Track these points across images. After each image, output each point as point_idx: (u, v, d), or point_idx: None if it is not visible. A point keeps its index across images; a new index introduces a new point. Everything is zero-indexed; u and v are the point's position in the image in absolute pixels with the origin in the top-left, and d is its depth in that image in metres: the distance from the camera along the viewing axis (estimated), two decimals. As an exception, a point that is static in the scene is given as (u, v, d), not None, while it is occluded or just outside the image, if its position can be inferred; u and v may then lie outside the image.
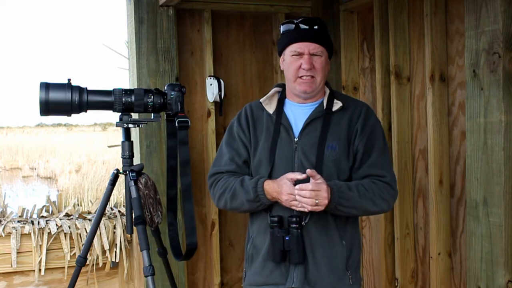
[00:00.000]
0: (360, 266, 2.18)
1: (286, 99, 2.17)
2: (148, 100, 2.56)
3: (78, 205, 8.11)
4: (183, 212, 2.73)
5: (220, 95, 3.16)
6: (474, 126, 2.04)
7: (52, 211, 3.35)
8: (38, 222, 3.16)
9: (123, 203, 3.20)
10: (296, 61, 2.06)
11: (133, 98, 2.54)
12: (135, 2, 2.98)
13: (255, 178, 2.07)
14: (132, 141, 2.65)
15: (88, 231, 3.08)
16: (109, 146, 7.65)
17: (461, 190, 2.63)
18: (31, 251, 3.10)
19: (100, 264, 3.20)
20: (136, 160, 2.86)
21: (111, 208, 3.39)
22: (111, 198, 3.75)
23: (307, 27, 2.06)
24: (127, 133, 2.62)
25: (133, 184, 2.55)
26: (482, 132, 2.01)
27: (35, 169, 19.08)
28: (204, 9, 3.17)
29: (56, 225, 3.16)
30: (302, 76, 2.06)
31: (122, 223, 3.22)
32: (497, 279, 1.97)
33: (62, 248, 3.14)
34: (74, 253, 3.12)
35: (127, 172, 2.58)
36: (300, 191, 1.91)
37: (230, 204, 2.12)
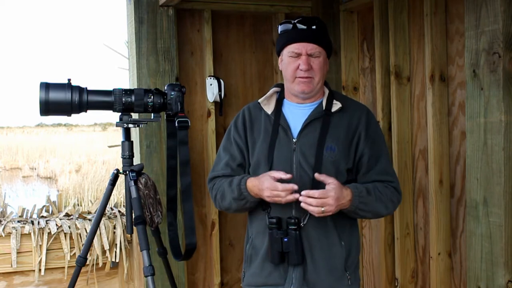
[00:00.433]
0: (359, 267, 2.18)
1: (285, 100, 2.16)
2: (148, 100, 2.56)
3: (78, 205, 8.11)
4: (182, 212, 2.73)
5: (220, 95, 3.16)
6: (474, 126, 2.04)
7: (52, 211, 3.35)
8: (38, 222, 3.16)
9: (123, 203, 3.20)
10: (294, 62, 2.05)
11: (133, 98, 2.54)
12: (135, 2, 2.99)
13: (240, 176, 2.08)
14: (132, 141, 2.65)
15: (88, 231, 3.08)
16: (109, 146, 7.65)
17: (461, 190, 2.63)
18: (31, 251, 3.10)
19: (100, 264, 3.20)
20: (136, 160, 2.86)
21: (111, 208, 3.39)
22: (111, 198, 3.76)
23: (304, 27, 2.05)
24: (127, 133, 2.62)
25: (133, 184, 2.55)
26: (482, 132, 2.01)
27: (35, 169, 19.08)
28: (204, 9, 3.17)
29: (56, 225, 3.16)
30: (300, 77, 2.05)
31: (122, 223, 3.22)
32: (497, 279, 1.97)
33: (62, 248, 3.14)
34: (74, 253, 3.12)
35: (127, 172, 2.58)
36: (306, 199, 1.91)
37: (222, 205, 2.15)
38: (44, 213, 3.34)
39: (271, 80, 3.38)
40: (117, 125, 2.61)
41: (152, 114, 2.62)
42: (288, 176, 1.95)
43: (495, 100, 1.94)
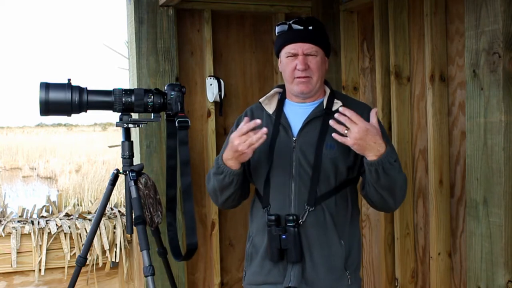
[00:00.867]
0: (361, 267, 2.18)
1: (286, 99, 2.18)
2: (148, 100, 2.56)
3: (78, 205, 8.11)
4: (183, 212, 2.73)
5: (220, 95, 3.16)
6: (474, 126, 2.04)
7: (52, 211, 3.35)
8: (38, 222, 3.16)
9: (123, 203, 3.20)
10: (291, 62, 2.06)
11: (133, 98, 2.54)
12: (135, 2, 2.99)
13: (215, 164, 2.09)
14: (132, 141, 2.65)
15: (88, 231, 3.08)
16: (110, 146, 7.65)
17: (461, 190, 2.63)
18: (31, 251, 3.10)
19: (100, 264, 3.21)
20: (136, 160, 2.86)
21: (111, 208, 3.39)
22: (111, 198, 3.76)
23: (300, 27, 2.06)
24: (127, 133, 2.62)
25: (133, 184, 2.55)
26: (482, 132, 2.01)
27: (35, 169, 19.09)
28: (204, 9, 3.17)
29: (56, 225, 3.16)
30: (298, 77, 2.06)
31: (122, 223, 3.22)
32: (497, 279, 1.97)
33: (62, 248, 3.14)
34: (74, 253, 3.12)
35: (127, 172, 2.58)
36: (345, 110, 1.87)
37: (208, 188, 2.16)
38: (44, 213, 3.34)
39: (271, 80, 3.38)
40: (117, 125, 2.61)
41: (152, 114, 2.62)
42: (258, 121, 1.94)
43: (495, 100, 1.94)
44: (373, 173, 1.92)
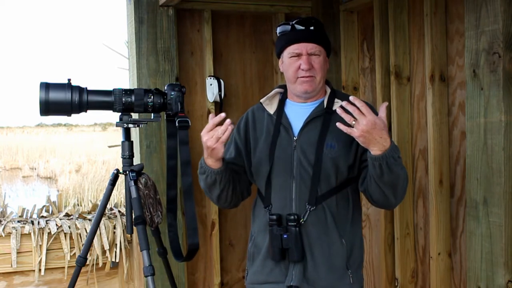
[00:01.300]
0: (362, 266, 2.18)
1: (287, 100, 2.18)
2: (148, 100, 2.56)
3: (78, 205, 8.11)
4: (184, 212, 2.73)
5: (220, 95, 3.16)
6: (474, 126, 2.05)
7: (52, 211, 3.35)
8: (38, 222, 3.16)
9: (123, 203, 3.20)
10: (295, 62, 2.07)
11: (133, 98, 2.54)
12: (135, 2, 2.99)
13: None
14: (132, 141, 2.65)
15: (88, 231, 3.08)
16: (109, 146, 7.65)
17: (461, 190, 2.63)
18: (31, 251, 3.10)
19: (100, 264, 3.20)
20: (136, 160, 2.86)
21: (111, 208, 3.39)
22: (111, 198, 3.75)
23: (303, 27, 2.07)
24: (127, 133, 2.62)
25: (133, 184, 2.55)
26: (482, 132, 2.01)
27: (35, 169, 19.09)
28: (204, 9, 3.17)
29: (56, 225, 3.16)
30: (301, 76, 2.06)
31: (122, 223, 3.22)
32: (497, 279, 1.97)
33: (62, 248, 3.14)
34: (74, 253, 3.12)
35: (127, 172, 2.58)
36: (355, 100, 1.81)
37: (201, 185, 2.16)
38: (44, 213, 3.34)
39: (271, 80, 3.38)
40: (117, 125, 2.61)
41: (152, 114, 2.62)
42: (222, 115, 1.93)
43: (495, 100, 1.94)
44: (377, 168, 1.89)
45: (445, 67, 2.68)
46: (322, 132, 2.06)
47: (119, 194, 7.32)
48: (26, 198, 13.02)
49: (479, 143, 2.02)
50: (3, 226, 3.08)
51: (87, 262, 2.97)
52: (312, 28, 2.07)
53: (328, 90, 2.15)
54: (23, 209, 3.29)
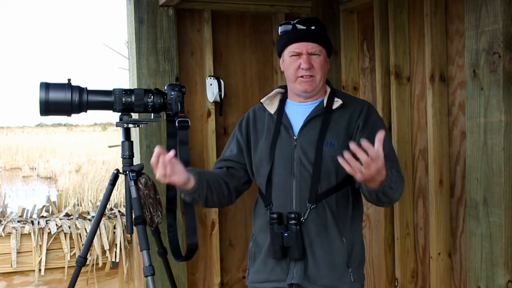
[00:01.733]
0: (364, 264, 2.18)
1: (287, 99, 2.19)
2: (148, 100, 2.56)
3: (78, 205, 8.11)
4: (184, 212, 2.73)
5: (220, 95, 3.16)
6: (474, 126, 2.05)
7: (52, 211, 3.35)
8: (38, 222, 3.16)
9: (123, 203, 3.20)
10: (295, 61, 2.08)
11: (133, 98, 2.54)
12: (135, 2, 2.99)
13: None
14: (132, 141, 2.65)
15: (88, 231, 3.08)
16: (109, 146, 7.65)
17: (461, 190, 2.63)
18: (31, 251, 3.10)
19: (100, 264, 3.20)
20: (136, 160, 2.86)
21: (111, 208, 3.39)
22: (111, 198, 3.76)
23: (304, 27, 2.08)
24: (127, 133, 2.62)
25: (133, 184, 2.55)
26: (482, 132, 2.01)
27: (35, 169, 19.09)
28: (204, 9, 3.17)
29: (56, 225, 3.16)
30: (302, 76, 2.07)
31: (122, 223, 3.22)
32: (497, 279, 1.97)
33: (62, 248, 3.14)
34: (74, 253, 3.12)
35: (127, 172, 2.58)
36: (369, 148, 1.71)
37: None
38: (44, 213, 3.34)
39: (271, 80, 3.38)
40: (117, 125, 2.61)
41: (152, 114, 2.63)
42: (156, 150, 1.89)
43: (495, 100, 1.94)
44: (373, 196, 1.92)
45: (445, 67, 2.68)
46: (322, 131, 2.07)
47: (119, 194, 7.33)
48: (26, 198, 13.02)
49: (479, 143, 2.02)
50: (3, 226, 3.08)
51: (87, 262, 2.97)
52: (313, 28, 2.08)
53: (328, 90, 2.16)
54: (23, 209, 3.29)
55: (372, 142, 1.99)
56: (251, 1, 3.21)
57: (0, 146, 24.77)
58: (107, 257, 3.21)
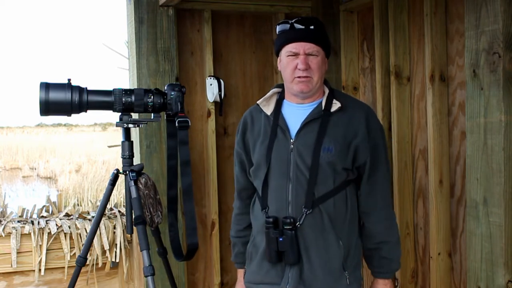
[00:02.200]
0: (361, 266, 2.18)
1: (284, 100, 2.15)
2: (148, 100, 2.56)
3: (78, 205, 8.11)
4: (184, 212, 2.73)
5: (220, 95, 3.16)
6: (474, 126, 2.04)
7: (52, 211, 3.35)
8: (38, 222, 3.16)
9: (123, 203, 3.20)
10: (292, 62, 2.05)
11: (133, 98, 2.54)
12: (135, 2, 2.99)
13: (236, 251, 2.35)
14: (132, 141, 2.65)
15: (88, 231, 3.08)
16: (109, 146, 7.65)
17: (461, 190, 2.63)
18: (31, 251, 3.10)
19: (100, 264, 3.21)
20: (136, 160, 2.86)
21: (111, 208, 3.39)
22: (111, 198, 3.76)
23: (302, 27, 2.04)
24: (127, 133, 2.62)
25: (133, 184, 2.55)
26: (482, 132, 2.01)
27: (35, 169, 19.09)
28: (204, 9, 3.17)
29: (56, 225, 3.16)
30: (298, 76, 2.04)
31: (122, 223, 3.22)
32: (497, 279, 1.97)
33: (62, 248, 3.14)
34: (74, 253, 3.12)
35: (127, 172, 2.58)
36: None
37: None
38: (44, 213, 3.34)
39: (271, 80, 3.38)
40: (117, 125, 2.61)
41: (152, 114, 2.62)
42: None
43: (495, 100, 1.94)
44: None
45: (445, 67, 2.68)
46: (320, 135, 2.04)
47: (119, 194, 7.33)
48: (26, 198, 13.02)
49: (479, 143, 2.02)
50: (3, 226, 3.08)
51: (87, 262, 2.97)
52: (311, 28, 2.04)
53: (327, 91, 2.12)
54: (23, 209, 3.29)
55: (374, 157, 2.07)
56: (251, 1, 3.21)
57: (0, 146, 24.77)
58: (107, 257, 3.21)
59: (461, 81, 2.59)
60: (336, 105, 2.07)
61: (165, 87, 2.64)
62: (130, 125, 2.60)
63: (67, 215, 3.33)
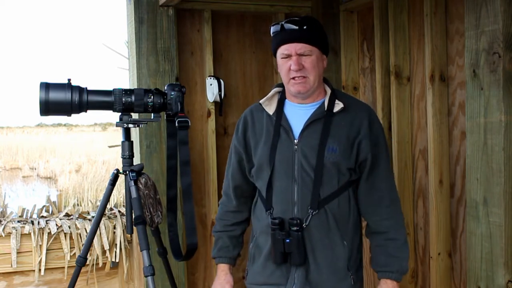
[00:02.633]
0: (362, 267, 2.18)
1: (286, 100, 2.15)
2: (148, 100, 2.56)
3: (78, 205, 8.10)
4: (183, 212, 2.73)
5: (220, 95, 3.16)
6: (474, 126, 2.04)
7: (52, 211, 3.35)
8: (38, 222, 3.16)
9: (123, 203, 3.20)
10: (286, 63, 2.04)
11: (133, 98, 2.54)
12: (135, 2, 2.98)
13: (219, 245, 2.28)
14: (132, 141, 2.65)
15: (88, 231, 3.08)
16: (109, 146, 7.65)
17: (461, 190, 2.63)
18: (31, 251, 3.10)
19: (100, 264, 3.20)
20: (136, 160, 2.86)
21: (111, 208, 3.39)
22: (111, 198, 3.76)
23: (293, 27, 2.03)
24: (127, 133, 2.62)
25: (133, 184, 2.55)
26: (482, 132, 2.01)
27: (35, 169, 19.10)
28: (204, 9, 3.17)
29: (56, 225, 3.16)
30: (294, 77, 2.04)
31: (122, 223, 3.22)
32: (497, 279, 1.97)
33: (62, 248, 3.14)
34: (74, 253, 3.12)
35: (127, 172, 2.58)
36: None
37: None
38: (44, 213, 3.34)
39: (271, 80, 3.38)
40: (117, 125, 2.61)
41: (152, 114, 2.62)
42: None
43: (495, 100, 1.94)
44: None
45: (445, 67, 2.68)
46: (323, 136, 2.04)
47: (119, 194, 7.33)
48: (26, 198, 13.02)
49: (479, 143, 2.02)
50: (3, 226, 3.08)
51: (87, 262, 2.97)
52: (303, 27, 2.03)
53: (329, 91, 2.11)
54: (23, 209, 3.29)
55: (376, 156, 2.06)
56: (251, 1, 3.21)
57: (0, 146, 24.78)
58: (107, 257, 3.21)
59: (461, 81, 2.59)
60: (338, 105, 2.07)
61: (165, 87, 2.63)
62: (130, 125, 2.60)
63: (67, 215, 3.33)
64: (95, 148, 21.63)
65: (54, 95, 2.45)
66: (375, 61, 3.03)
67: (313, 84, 2.06)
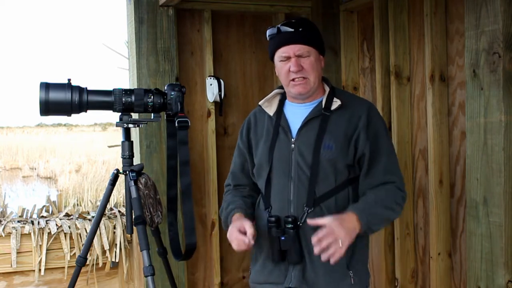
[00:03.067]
0: (367, 265, 2.16)
1: (286, 100, 2.18)
2: (148, 100, 2.56)
3: (78, 205, 8.11)
4: (182, 212, 2.73)
5: (220, 95, 3.16)
6: (474, 126, 2.05)
7: (52, 211, 3.35)
8: (38, 222, 3.16)
9: (123, 203, 3.20)
10: (285, 65, 2.05)
11: (133, 98, 2.54)
12: (135, 2, 2.99)
13: (229, 208, 2.16)
14: (132, 141, 2.65)
15: (88, 231, 3.08)
16: (109, 146, 7.65)
17: (461, 190, 2.63)
18: (31, 251, 3.10)
19: (100, 264, 3.21)
20: (136, 160, 2.86)
21: (111, 208, 3.39)
22: (111, 198, 3.76)
23: (289, 29, 2.04)
24: (127, 133, 2.62)
25: (133, 184, 2.55)
26: (482, 132, 2.01)
27: (35, 169, 19.10)
28: (204, 9, 3.17)
29: (56, 225, 3.16)
30: (294, 79, 2.05)
31: (122, 223, 3.22)
32: (497, 279, 1.97)
33: (62, 248, 3.14)
34: (74, 253, 3.12)
35: (127, 172, 2.58)
36: (320, 243, 1.86)
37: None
38: (44, 213, 3.34)
39: (271, 80, 3.38)
40: (117, 125, 2.61)
41: (152, 114, 2.62)
42: (250, 234, 1.97)
43: (495, 100, 1.95)
44: (372, 231, 2.04)
45: (445, 67, 2.68)
46: (320, 133, 2.05)
47: (119, 194, 7.33)
48: (26, 198, 13.02)
49: (479, 143, 2.02)
50: (3, 226, 3.08)
51: (87, 262, 2.97)
52: (299, 29, 2.04)
53: (327, 89, 2.12)
54: (23, 209, 3.29)
55: (375, 150, 2.04)
56: (251, 1, 3.21)
57: (0, 146, 24.78)
58: (107, 257, 3.21)
59: (461, 81, 2.59)
60: (336, 103, 2.08)
61: (165, 87, 2.63)
62: (130, 125, 2.60)
63: (67, 215, 3.33)
64: (95, 148, 21.63)
65: (54, 95, 2.45)
66: (375, 61, 3.03)
67: (313, 85, 2.08)
